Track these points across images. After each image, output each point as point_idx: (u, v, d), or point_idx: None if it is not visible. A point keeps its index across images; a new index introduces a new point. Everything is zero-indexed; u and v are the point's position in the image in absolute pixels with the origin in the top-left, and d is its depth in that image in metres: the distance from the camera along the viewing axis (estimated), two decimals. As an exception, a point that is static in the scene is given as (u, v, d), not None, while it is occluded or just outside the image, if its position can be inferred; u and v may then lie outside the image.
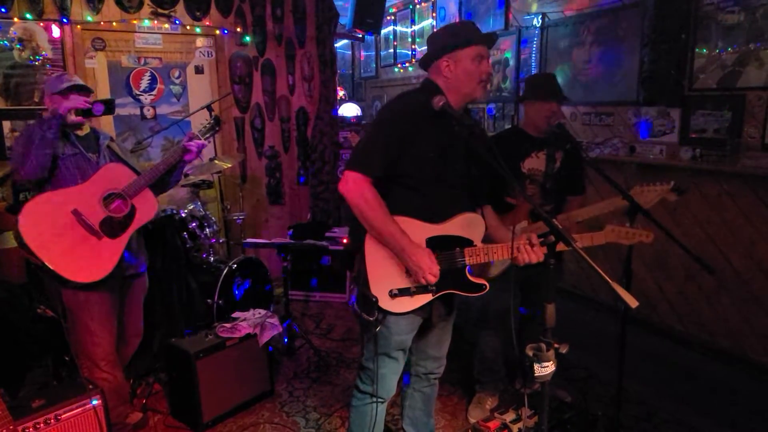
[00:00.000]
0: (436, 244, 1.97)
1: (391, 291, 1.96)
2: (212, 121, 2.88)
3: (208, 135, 2.81)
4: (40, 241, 2.35)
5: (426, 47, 2.11)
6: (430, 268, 1.90)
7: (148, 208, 2.62)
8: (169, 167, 2.68)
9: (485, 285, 2.05)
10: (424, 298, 1.99)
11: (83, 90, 2.59)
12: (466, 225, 2.02)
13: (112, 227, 2.51)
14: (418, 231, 1.96)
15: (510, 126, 5.22)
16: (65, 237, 2.40)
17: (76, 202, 2.44)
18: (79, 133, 2.63)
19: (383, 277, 1.96)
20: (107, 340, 2.57)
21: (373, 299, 1.93)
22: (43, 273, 2.46)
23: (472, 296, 2.06)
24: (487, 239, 2.08)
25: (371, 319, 1.95)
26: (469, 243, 2.01)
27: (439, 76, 2.03)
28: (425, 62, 2.10)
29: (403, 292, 1.96)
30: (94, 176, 2.51)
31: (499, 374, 3.04)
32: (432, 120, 1.96)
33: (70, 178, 2.51)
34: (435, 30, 2.28)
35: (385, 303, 1.96)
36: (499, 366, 3.01)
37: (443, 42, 2.01)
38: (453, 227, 2.01)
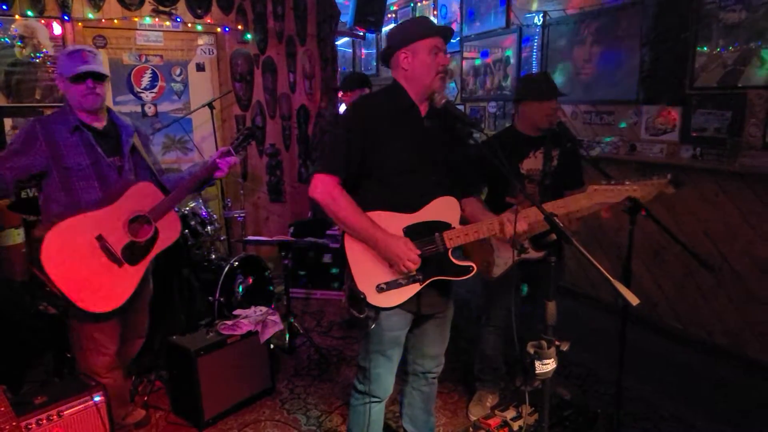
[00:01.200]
0: (413, 232, 1.97)
1: (378, 286, 1.96)
2: (246, 132, 2.71)
3: (241, 147, 2.67)
4: (61, 270, 2.19)
5: (385, 43, 2.14)
6: (408, 255, 1.90)
7: (171, 231, 2.48)
8: (196, 184, 2.55)
9: (471, 266, 2.04)
10: (413, 289, 1.99)
11: (99, 78, 2.34)
12: (441, 209, 2.02)
13: (133, 253, 2.36)
14: (394, 222, 1.97)
15: (508, 125, 5.23)
16: (86, 266, 2.25)
17: (101, 227, 2.29)
18: (97, 126, 2.40)
19: (368, 273, 1.97)
20: (112, 350, 2.49)
21: (361, 296, 1.94)
22: (56, 298, 2.29)
23: (461, 279, 2.05)
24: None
25: (361, 316, 1.95)
26: (447, 226, 2.01)
27: (398, 70, 2.06)
28: (385, 56, 2.13)
29: (390, 286, 1.96)
30: (122, 197, 2.34)
31: (499, 372, 3.05)
32: (397, 115, 2.01)
33: (89, 189, 2.34)
34: (397, 24, 2.32)
35: (374, 298, 1.96)
36: (499, 364, 3.02)
37: (400, 36, 2.04)
38: (428, 213, 2.01)
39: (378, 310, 1.98)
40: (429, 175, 2.03)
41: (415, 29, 2.02)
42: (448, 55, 2.06)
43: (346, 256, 1.99)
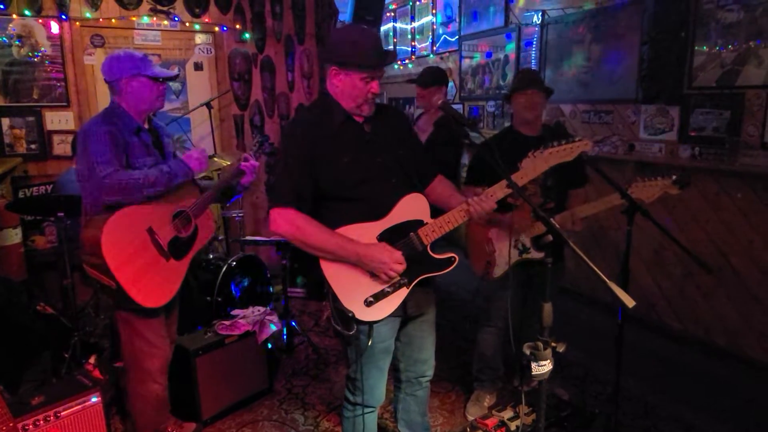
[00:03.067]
0: (388, 237, 1.94)
1: (366, 300, 1.92)
2: (260, 139, 2.86)
3: (259, 152, 2.79)
4: (119, 260, 2.20)
5: (331, 39, 2.07)
6: (392, 258, 1.87)
7: (208, 227, 2.56)
8: (224, 187, 2.64)
9: (454, 257, 2.01)
10: (401, 295, 1.97)
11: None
12: (409, 207, 1.99)
13: (178, 248, 2.41)
14: (365, 233, 1.93)
15: (508, 125, 5.23)
16: (140, 258, 2.27)
17: (151, 220, 2.33)
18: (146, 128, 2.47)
19: (353, 290, 1.92)
20: (164, 350, 2.50)
21: (350, 314, 1.89)
22: (103, 291, 2.31)
23: (444, 273, 2.03)
24: (445, 208, 2.04)
25: (350, 333, 1.91)
26: (419, 223, 1.98)
27: (329, 82, 2.00)
28: (322, 55, 2.08)
29: (378, 297, 1.93)
30: (166, 193, 2.38)
31: (497, 372, 3.05)
32: (334, 128, 1.96)
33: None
34: (340, 27, 2.25)
35: (363, 314, 1.92)
36: (497, 364, 3.02)
37: (337, 53, 1.94)
38: (397, 215, 1.97)
39: (371, 324, 1.94)
40: (386, 179, 1.99)
41: (352, 56, 1.90)
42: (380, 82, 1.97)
43: (325, 278, 1.93)
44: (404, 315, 2.05)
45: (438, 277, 2.07)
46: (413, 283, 1.98)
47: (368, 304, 1.92)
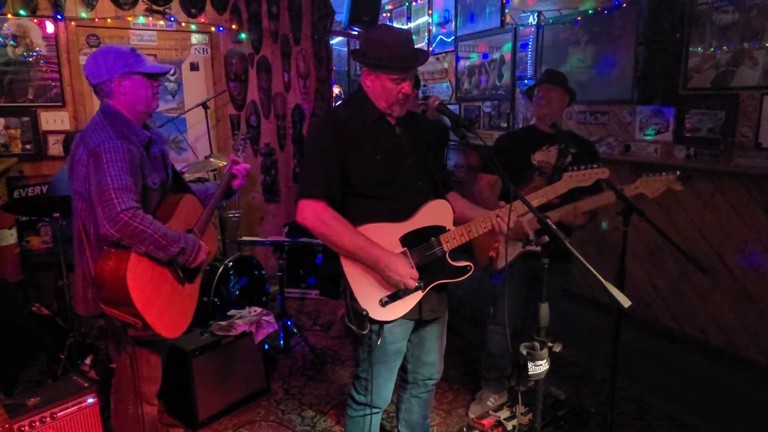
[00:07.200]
0: (409, 240, 1.96)
1: (381, 300, 1.93)
2: (243, 136, 2.78)
3: (242, 147, 2.65)
4: (145, 298, 1.92)
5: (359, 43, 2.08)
6: (409, 273, 1.89)
7: (212, 241, 2.35)
8: (223, 194, 2.47)
9: (469, 266, 2.04)
10: (415, 297, 1.98)
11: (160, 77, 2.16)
12: (434, 213, 2.01)
13: (188, 270, 2.16)
14: (389, 233, 1.94)
15: (508, 123, 5.25)
16: (161, 290, 2.02)
17: None
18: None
19: (369, 289, 1.94)
20: (161, 374, 2.34)
21: (363, 313, 1.90)
22: (120, 323, 1.97)
23: (460, 280, 2.04)
24: (462, 222, 2.06)
25: (364, 332, 1.92)
26: (442, 229, 2.00)
27: (363, 82, 2.02)
28: (354, 54, 2.09)
29: (392, 298, 1.94)
30: (176, 212, 2.14)
31: (504, 372, 3.04)
32: (367, 125, 1.98)
33: (152, 207, 2.11)
34: (372, 28, 2.25)
35: (376, 313, 1.93)
36: (504, 363, 3.01)
37: (369, 55, 1.95)
38: (422, 219, 1.99)
39: (382, 324, 1.95)
40: (413, 182, 2.01)
41: (382, 58, 1.92)
42: (411, 82, 2.00)
43: (345, 275, 1.94)
44: (419, 318, 2.06)
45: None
46: (428, 287, 1.99)
47: (383, 304, 1.94)
